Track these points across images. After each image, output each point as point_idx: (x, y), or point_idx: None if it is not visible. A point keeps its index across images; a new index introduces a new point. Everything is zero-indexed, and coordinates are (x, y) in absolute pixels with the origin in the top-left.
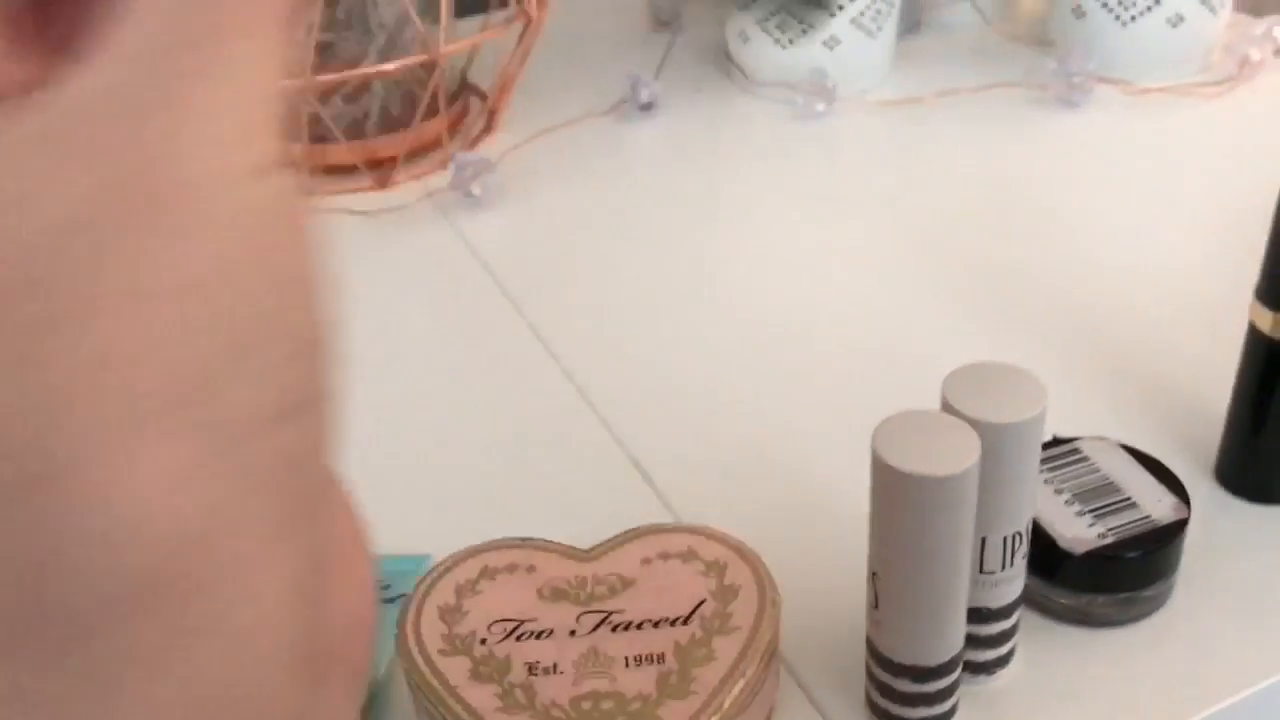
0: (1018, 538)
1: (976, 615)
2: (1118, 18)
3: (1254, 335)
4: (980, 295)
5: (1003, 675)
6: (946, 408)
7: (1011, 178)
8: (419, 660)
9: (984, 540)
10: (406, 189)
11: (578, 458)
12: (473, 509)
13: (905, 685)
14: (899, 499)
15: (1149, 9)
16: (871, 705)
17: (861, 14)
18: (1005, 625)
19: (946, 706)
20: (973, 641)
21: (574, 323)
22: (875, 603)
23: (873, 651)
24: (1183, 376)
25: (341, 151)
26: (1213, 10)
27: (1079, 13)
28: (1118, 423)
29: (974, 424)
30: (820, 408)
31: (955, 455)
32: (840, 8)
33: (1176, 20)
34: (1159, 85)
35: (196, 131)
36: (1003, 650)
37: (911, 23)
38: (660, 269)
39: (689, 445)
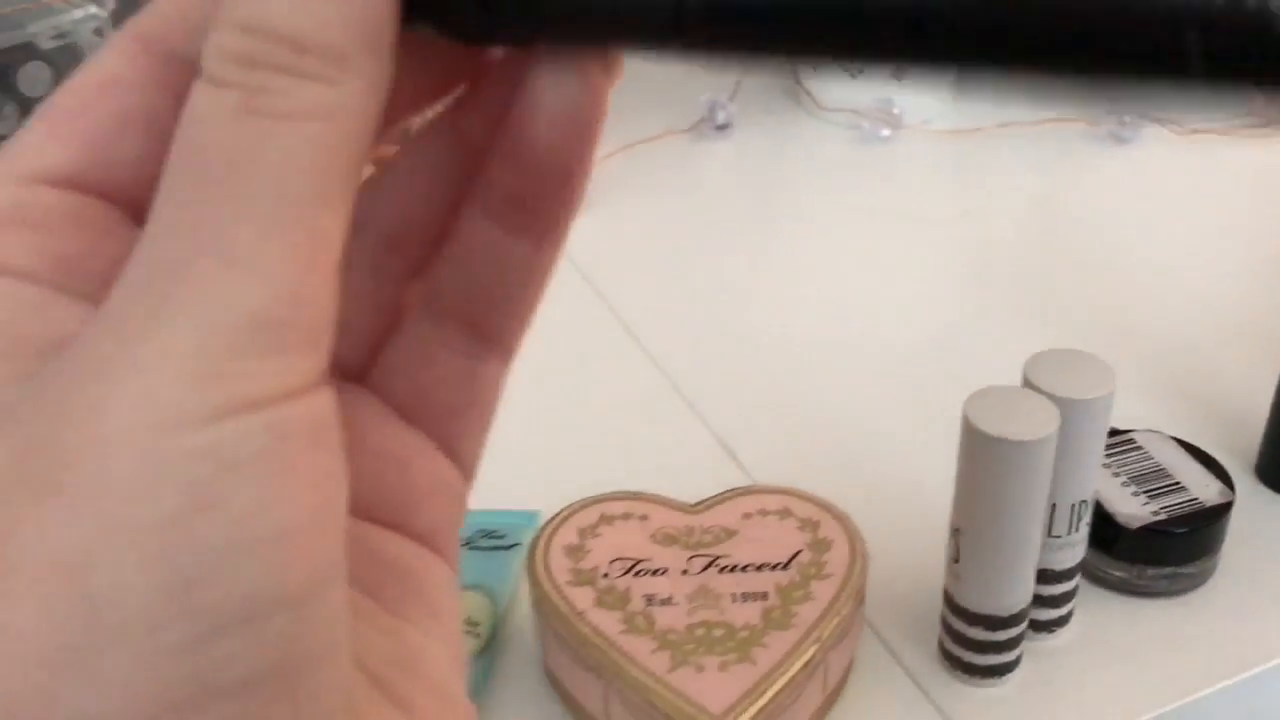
0: (1083, 506)
1: (1043, 576)
2: None
3: None
4: (1035, 307)
5: (1062, 634)
6: (1028, 384)
7: (1063, 204)
8: (549, 589)
9: (1054, 506)
10: None
11: (666, 435)
12: (576, 475)
13: (978, 633)
14: (986, 461)
15: None
16: (944, 652)
17: None
18: (1067, 587)
19: (1012, 656)
20: (1037, 600)
21: (658, 315)
22: (956, 557)
23: (949, 603)
24: (1230, 386)
25: None
26: None
27: None
28: (1170, 421)
29: (1052, 399)
30: (886, 394)
31: (1037, 424)
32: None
33: None
34: (1207, 127)
35: (129, 384)
36: (1063, 611)
37: None
38: (736, 270)
39: (770, 424)
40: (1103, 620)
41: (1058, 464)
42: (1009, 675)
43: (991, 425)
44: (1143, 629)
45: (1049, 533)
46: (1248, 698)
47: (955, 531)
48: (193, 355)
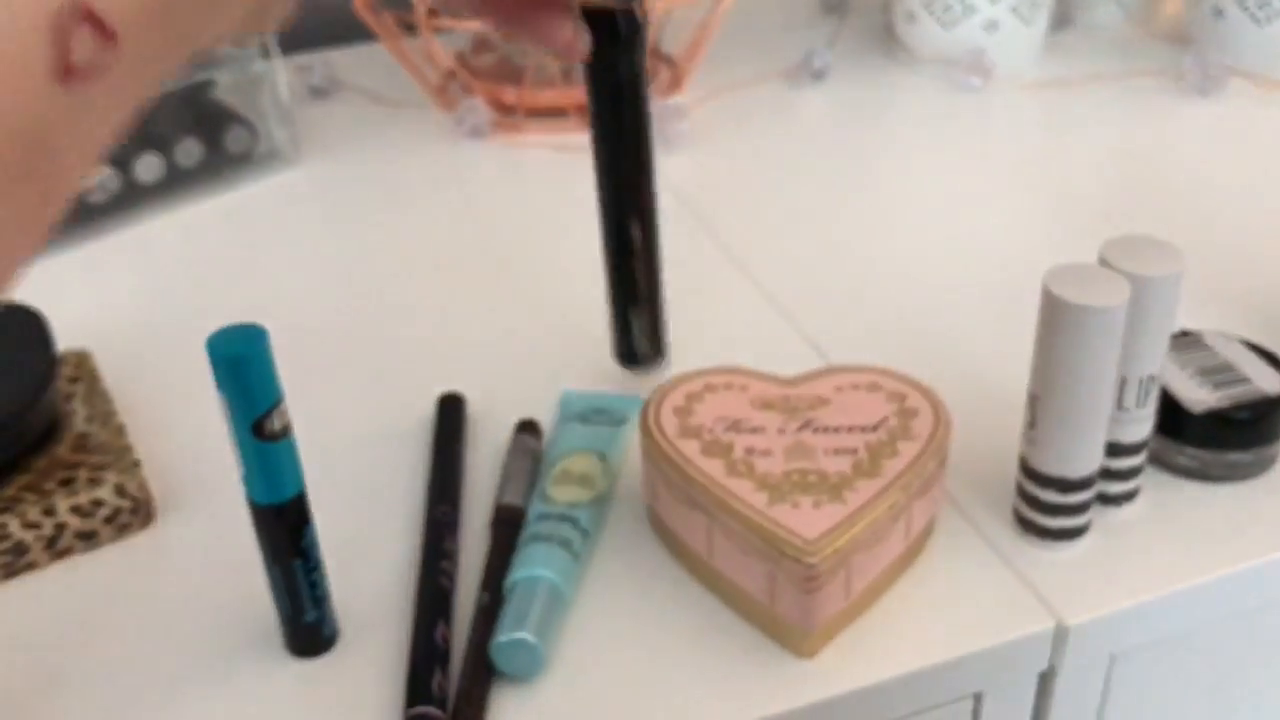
0: (1151, 381)
1: (1112, 449)
2: (1254, 17)
3: None
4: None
5: (1129, 509)
6: (1103, 263)
7: (1147, 151)
8: (660, 439)
9: (1123, 380)
10: None
11: (763, 340)
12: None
13: (1051, 496)
14: (1063, 327)
15: None
16: (1018, 517)
17: (1019, 3)
18: (1135, 462)
19: (1082, 520)
20: (1107, 474)
21: (756, 241)
22: (1032, 422)
23: (1024, 467)
24: None
25: (553, 96)
26: None
27: (1217, 12)
28: (1242, 327)
29: (1125, 275)
30: (970, 300)
31: (1110, 294)
32: None
33: None
34: None
35: None
36: (1130, 485)
37: (1063, 18)
38: (827, 202)
39: (859, 329)
40: (1169, 500)
41: (1127, 339)
42: (1078, 540)
43: (1069, 294)
44: (1205, 508)
45: (1119, 405)
46: None
47: (1032, 398)
48: None
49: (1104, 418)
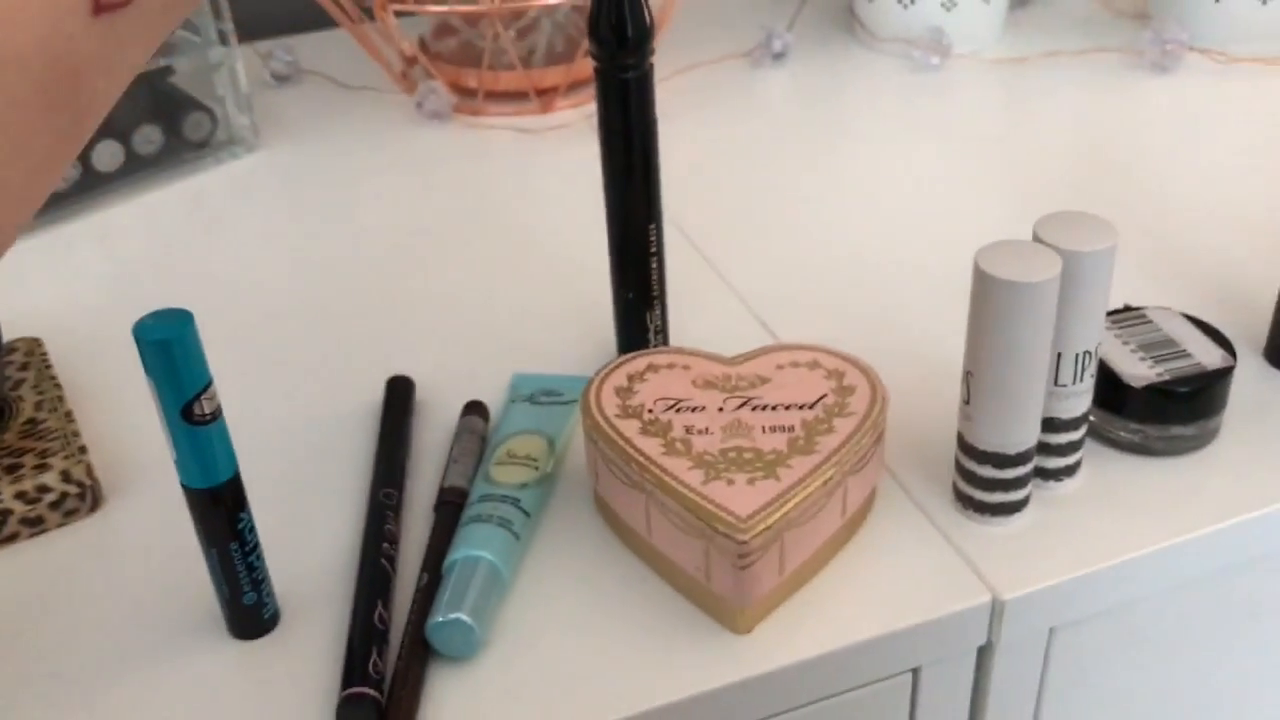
0: (1087, 357)
1: (1051, 424)
2: None
3: None
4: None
5: (1069, 484)
6: (1036, 239)
7: (1104, 128)
8: (600, 420)
9: (1059, 356)
10: (566, 112)
11: (711, 315)
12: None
13: (988, 471)
14: (994, 303)
15: None
16: (957, 492)
17: None
18: (1074, 436)
19: (1019, 495)
20: (1045, 450)
21: (712, 220)
22: (967, 398)
23: (962, 444)
24: (1248, 279)
25: (514, 79)
26: None
27: None
28: (1188, 305)
29: (1057, 251)
30: (914, 280)
31: (1040, 269)
32: None
33: None
34: (1248, 56)
35: None
36: (1070, 460)
37: None
38: (788, 182)
39: (805, 305)
40: (1109, 474)
41: (1062, 314)
42: (1016, 515)
43: (998, 270)
44: (1146, 482)
45: (1055, 381)
46: (1238, 544)
47: (967, 374)
48: None
49: (1039, 394)
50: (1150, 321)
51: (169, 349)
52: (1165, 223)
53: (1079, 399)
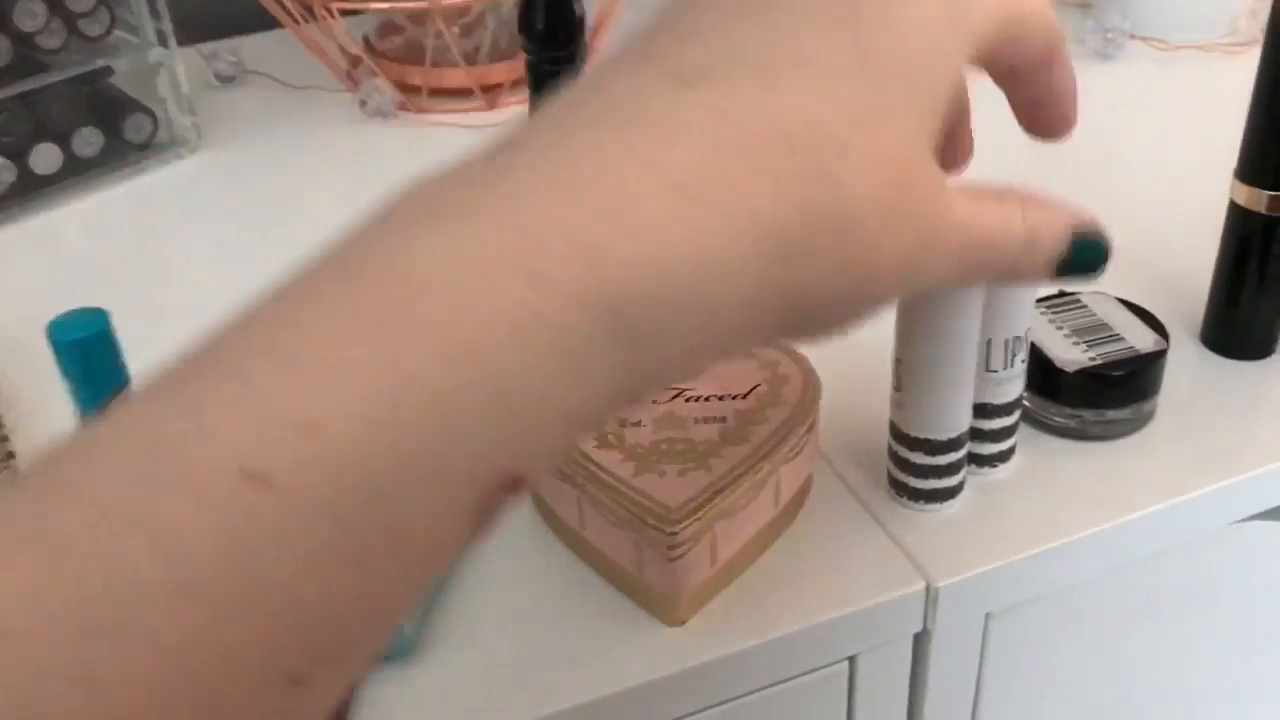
0: (1017, 342)
1: (983, 410)
2: None
3: (1232, 210)
4: None
5: (1003, 469)
6: None
7: None
8: None
9: (989, 342)
10: (512, 109)
11: None
12: None
13: (920, 458)
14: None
15: None
16: (890, 480)
17: None
18: (1007, 422)
19: (953, 481)
20: (979, 436)
21: None
22: (898, 385)
23: (894, 431)
24: (1185, 265)
25: (458, 76)
26: None
27: None
28: (1125, 290)
29: None
30: None
31: None
32: None
33: None
34: (1188, 44)
35: None
36: (1004, 445)
37: None
38: None
39: None
40: (1045, 459)
41: (990, 300)
42: (951, 501)
43: None
44: (1081, 466)
45: (987, 367)
46: (1174, 526)
47: (897, 362)
48: None
49: (968, 380)
50: (1085, 306)
51: (84, 349)
52: (1105, 208)
53: (1010, 384)
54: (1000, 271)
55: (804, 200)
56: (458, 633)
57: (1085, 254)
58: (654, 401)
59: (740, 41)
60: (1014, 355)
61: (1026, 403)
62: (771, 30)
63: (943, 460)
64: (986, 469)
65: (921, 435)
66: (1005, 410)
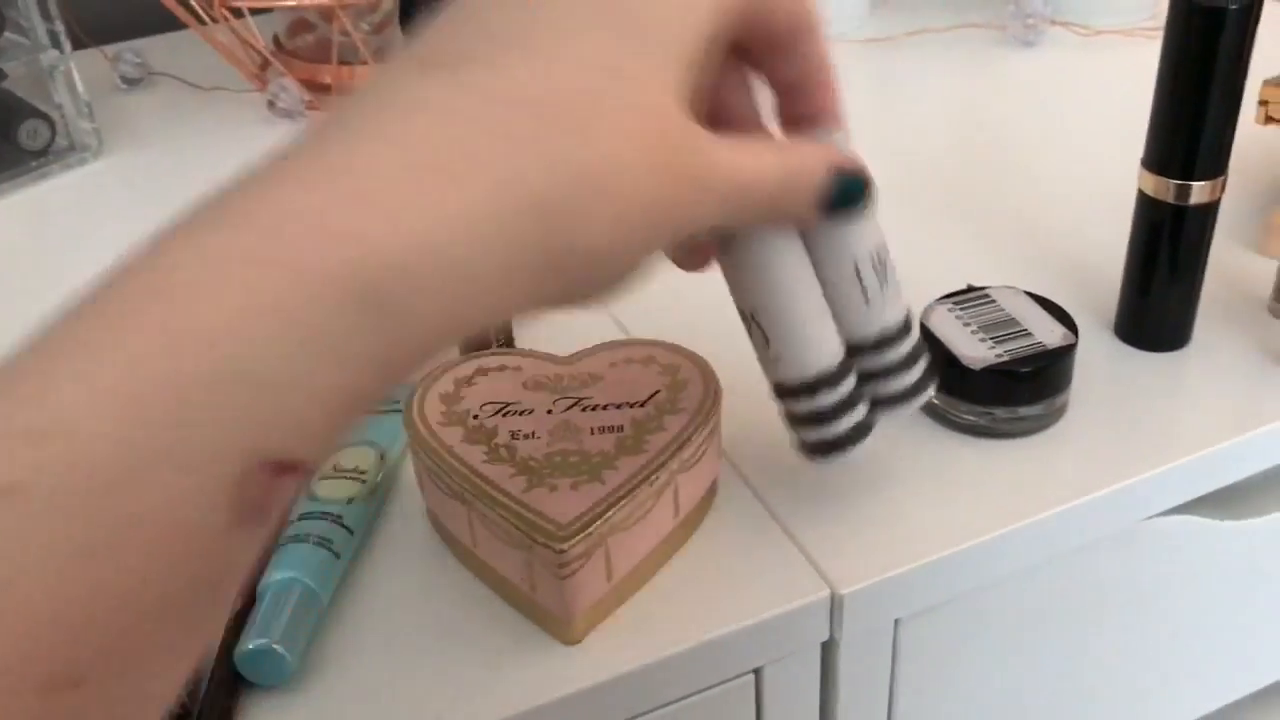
0: (880, 255)
1: (881, 343)
2: None
3: (1140, 199)
4: (937, 190)
5: (911, 471)
6: None
7: (971, 103)
8: (421, 429)
9: (856, 268)
10: None
11: (560, 319)
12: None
13: (804, 405)
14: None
15: None
16: (798, 448)
17: None
18: (907, 347)
19: (848, 422)
20: (886, 374)
21: None
22: (765, 340)
23: (776, 390)
24: (1097, 257)
25: (367, 74)
26: None
27: None
28: (1036, 284)
29: None
30: None
31: None
32: None
33: None
34: (1108, 28)
35: None
36: (915, 372)
37: None
38: None
39: (659, 296)
40: (953, 459)
41: (836, 229)
42: (860, 443)
43: None
44: (992, 465)
45: (864, 297)
46: (1087, 523)
47: (748, 319)
48: None
49: (820, 310)
50: (993, 301)
51: None
52: (1025, 199)
53: (897, 303)
54: (762, 209)
55: (561, 161)
56: (343, 657)
57: (846, 190)
58: (548, 412)
59: (495, 24)
60: (884, 266)
61: (935, 401)
62: (524, 10)
63: (827, 400)
64: (901, 407)
65: (796, 379)
66: (903, 330)
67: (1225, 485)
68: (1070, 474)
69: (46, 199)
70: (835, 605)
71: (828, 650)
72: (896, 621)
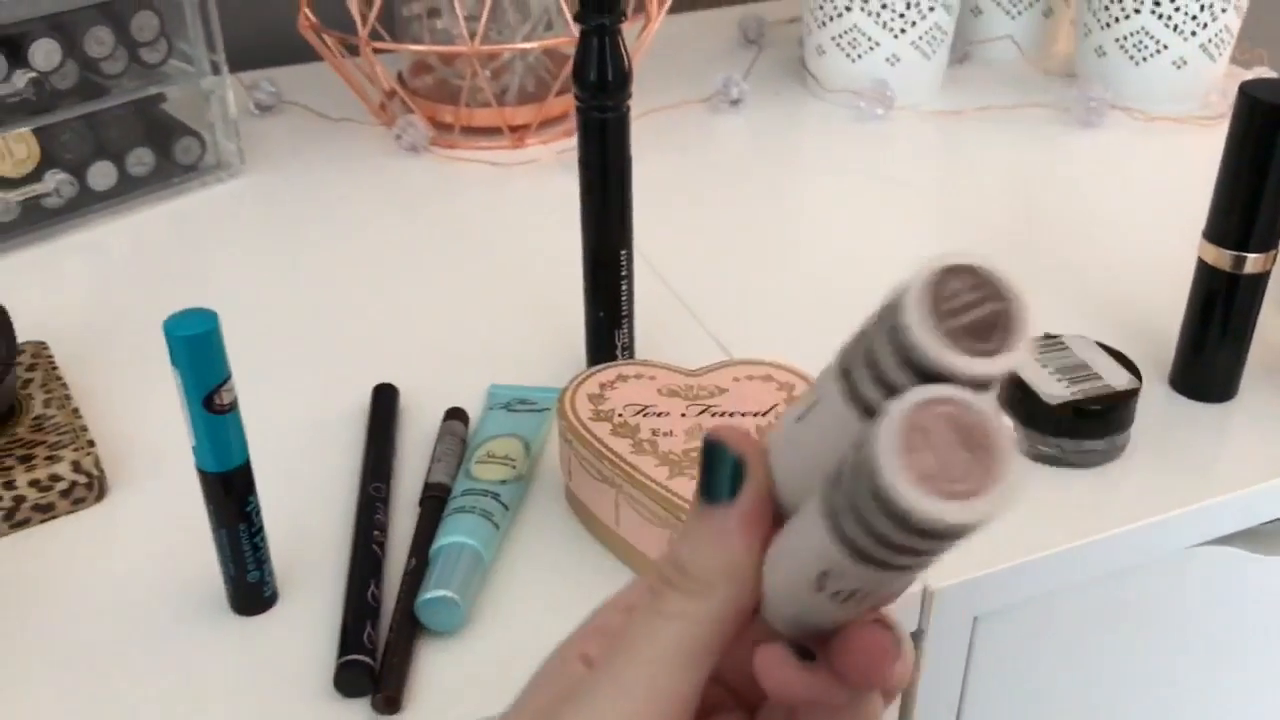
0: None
1: None
2: (1132, 58)
3: (1199, 267)
4: (1004, 250)
5: None
6: None
7: (1032, 177)
8: (574, 421)
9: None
10: (536, 148)
11: (673, 339)
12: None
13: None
14: None
15: (1158, 52)
16: None
17: (920, 38)
18: None
19: None
20: None
21: (673, 251)
22: None
23: None
24: (1159, 317)
25: (488, 115)
26: (1212, 58)
27: (1100, 52)
28: (1104, 337)
29: None
30: (850, 300)
31: None
32: (903, 30)
33: (1181, 64)
34: (1164, 115)
35: None
36: None
37: (961, 53)
38: (741, 217)
39: (763, 331)
40: (1031, 483)
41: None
42: None
43: None
44: (1063, 489)
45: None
46: (1142, 544)
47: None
48: None
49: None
50: (1068, 348)
51: (195, 343)
52: (1087, 262)
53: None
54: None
55: None
56: (501, 614)
57: None
58: (682, 415)
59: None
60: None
61: (1015, 433)
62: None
63: None
64: None
65: None
66: None
67: (1262, 522)
68: (1127, 502)
69: (195, 210)
70: (926, 599)
71: (914, 641)
72: (975, 619)
